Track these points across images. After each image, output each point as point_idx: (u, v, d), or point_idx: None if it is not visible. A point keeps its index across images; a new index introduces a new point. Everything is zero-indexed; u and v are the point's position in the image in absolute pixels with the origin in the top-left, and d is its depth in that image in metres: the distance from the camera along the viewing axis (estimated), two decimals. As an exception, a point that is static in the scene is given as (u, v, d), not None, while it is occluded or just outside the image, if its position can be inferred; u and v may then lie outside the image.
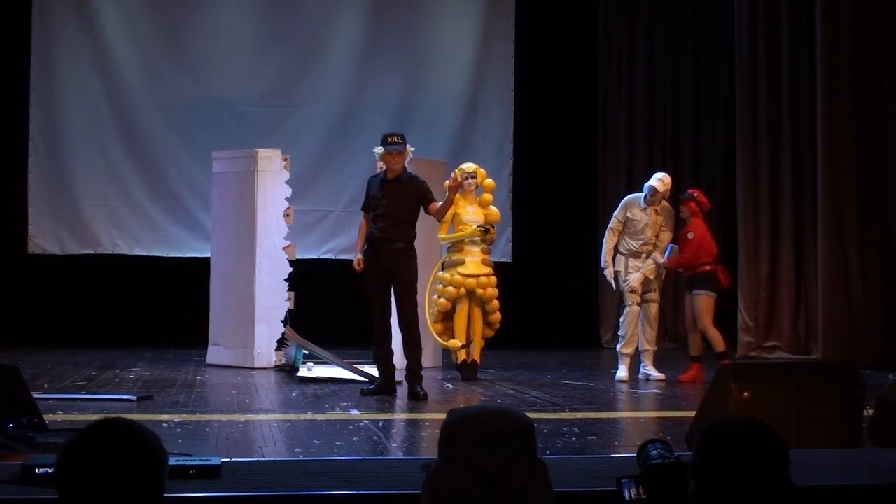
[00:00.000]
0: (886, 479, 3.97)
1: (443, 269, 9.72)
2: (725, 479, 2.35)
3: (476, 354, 9.60)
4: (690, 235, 9.68)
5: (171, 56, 12.71)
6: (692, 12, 14.01)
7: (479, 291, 9.51)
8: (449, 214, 9.48)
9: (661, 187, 9.60)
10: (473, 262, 9.54)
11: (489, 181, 9.84)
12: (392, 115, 13.05)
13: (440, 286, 9.62)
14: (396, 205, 8.24)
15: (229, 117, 12.69)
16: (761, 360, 11.53)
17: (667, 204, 9.80)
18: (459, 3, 13.58)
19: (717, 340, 9.76)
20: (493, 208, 9.88)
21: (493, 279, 9.62)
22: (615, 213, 9.85)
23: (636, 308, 9.63)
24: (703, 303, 9.67)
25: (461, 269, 9.49)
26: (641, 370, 9.66)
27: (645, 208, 9.64)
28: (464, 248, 9.57)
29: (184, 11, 12.77)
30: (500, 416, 2.21)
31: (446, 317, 9.65)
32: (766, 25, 12.39)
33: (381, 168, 8.79)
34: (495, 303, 9.63)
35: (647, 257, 9.64)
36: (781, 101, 12.30)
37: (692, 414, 5.91)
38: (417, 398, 8.01)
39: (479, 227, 9.48)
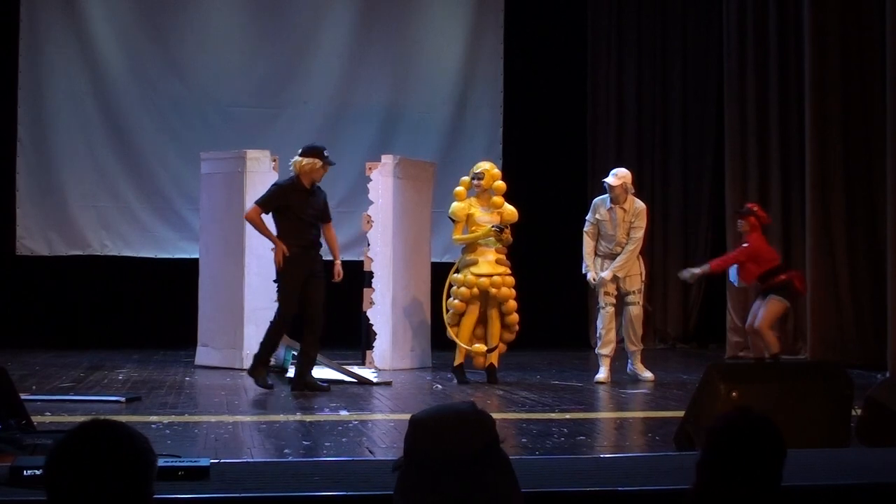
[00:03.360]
0: (874, 478, 3.98)
1: (457, 271, 9.61)
2: (731, 471, 2.38)
3: (494, 358, 9.46)
4: (745, 245, 9.73)
5: (159, 56, 12.69)
6: (681, 10, 14.05)
7: (493, 291, 9.35)
8: (463, 214, 9.43)
9: (614, 182, 9.54)
10: (487, 262, 9.41)
11: (499, 184, 9.54)
12: (380, 115, 13.06)
13: (454, 288, 9.51)
14: (317, 213, 8.69)
15: (218, 118, 12.68)
16: (750, 360, 11.55)
17: (637, 201, 9.69)
18: (448, 3, 13.57)
19: (774, 343, 9.86)
20: (509, 207, 9.58)
21: (510, 279, 9.46)
22: (587, 217, 9.84)
23: (610, 309, 9.62)
24: (774, 307, 9.74)
25: (474, 269, 9.37)
26: (629, 369, 9.64)
27: (611, 208, 9.60)
28: (477, 249, 9.46)
29: (172, 12, 12.74)
30: (459, 413, 2.22)
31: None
32: (755, 25, 12.45)
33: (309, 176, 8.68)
34: (512, 303, 9.46)
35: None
36: (769, 102, 12.36)
37: (681, 414, 5.91)
38: (322, 389, 8.42)
39: (493, 227, 9.37)
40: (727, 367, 7.10)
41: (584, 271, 9.87)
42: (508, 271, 9.52)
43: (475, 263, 9.40)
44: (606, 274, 9.59)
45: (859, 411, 5.61)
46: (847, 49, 11.26)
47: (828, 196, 11.15)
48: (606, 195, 9.69)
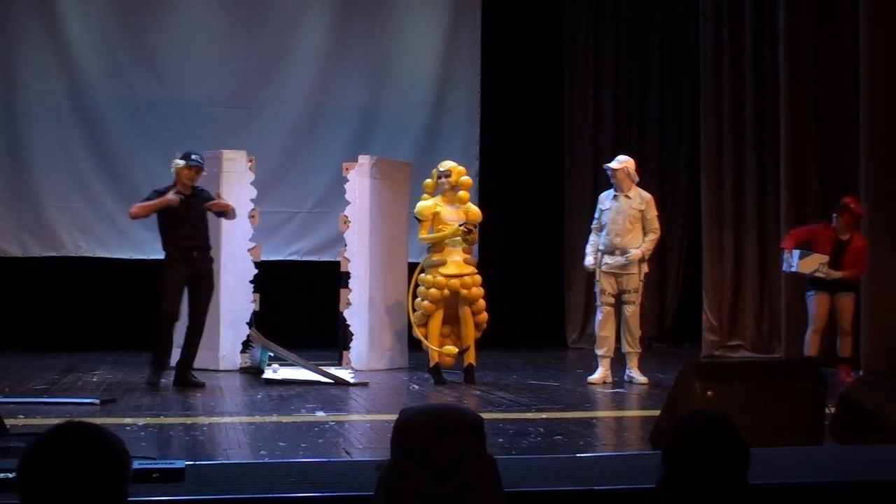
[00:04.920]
0: (847, 476, 4.01)
1: (423, 271, 9.62)
2: (692, 474, 2.39)
3: (472, 357, 9.47)
4: (859, 246, 9.63)
5: (135, 57, 12.62)
6: (658, 11, 14.11)
7: (464, 292, 9.38)
8: (429, 213, 9.45)
9: (615, 165, 9.48)
10: (455, 263, 9.40)
11: (465, 179, 9.65)
12: (358, 115, 13.04)
13: (422, 288, 9.51)
14: (200, 216, 8.87)
15: (194, 118, 12.62)
16: (725, 359, 11.60)
17: (643, 191, 9.60)
18: (425, 4, 13.57)
19: (850, 346, 9.71)
20: (474, 207, 9.73)
21: (478, 278, 9.50)
22: (595, 215, 9.76)
23: (606, 308, 9.48)
24: (852, 304, 9.67)
25: (443, 270, 9.37)
26: (626, 373, 9.48)
27: (616, 195, 9.51)
28: (444, 249, 9.45)
29: (148, 12, 12.66)
30: (449, 413, 2.23)
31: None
32: (730, 26, 12.50)
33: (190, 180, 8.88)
34: (481, 302, 9.50)
35: (623, 254, 9.41)
36: (745, 104, 12.42)
37: (657, 413, 5.94)
38: (198, 385, 8.74)
39: (460, 225, 9.39)
40: (703, 366, 7.11)
41: (585, 263, 9.76)
42: (476, 271, 9.55)
43: (443, 264, 9.41)
44: (636, 253, 9.34)
45: (833, 409, 5.65)
46: (821, 51, 11.33)
47: (802, 195, 11.20)
48: (610, 189, 9.63)
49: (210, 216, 9.07)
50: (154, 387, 8.60)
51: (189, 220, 8.80)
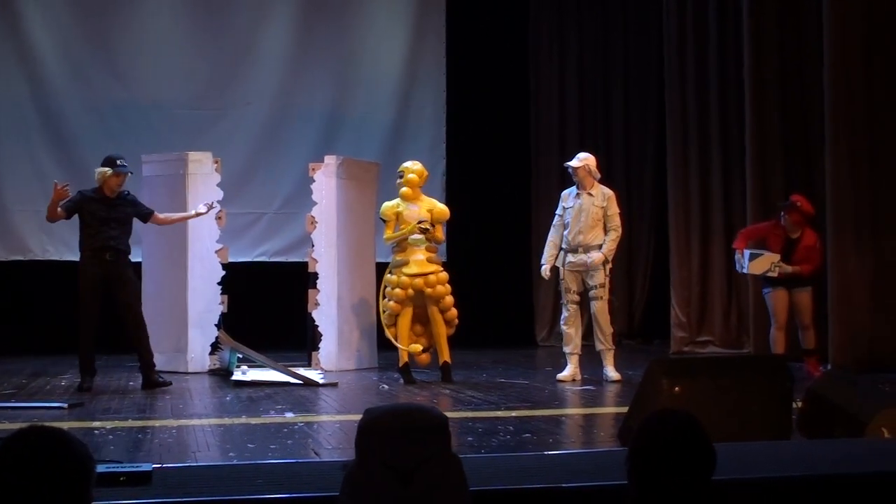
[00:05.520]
0: (814, 470, 4.04)
1: (391, 272, 9.61)
2: (658, 472, 2.40)
3: (446, 355, 9.46)
4: (810, 243, 9.67)
5: (99, 60, 12.54)
6: (621, 9, 14.17)
7: (429, 290, 9.36)
8: (392, 213, 9.46)
9: (576, 164, 9.49)
10: (417, 262, 9.39)
11: (411, 177, 9.55)
12: (324, 115, 13.02)
13: (388, 289, 9.50)
14: (122, 219, 8.89)
15: (159, 121, 12.56)
16: (693, 355, 11.65)
17: (605, 188, 9.59)
18: (390, 3, 13.56)
19: (813, 338, 9.76)
20: (440, 205, 9.71)
21: (443, 276, 9.46)
22: (556, 211, 9.78)
23: (572, 307, 9.49)
24: (810, 299, 9.73)
25: (406, 270, 9.36)
26: (604, 371, 9.43)
27: (578, 194, 9.53)
28: (407, 248, 9.46)
29: (112, 15, 12.60)
30: (414, 413, 2.23)
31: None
32: (694, 20, 12.57)
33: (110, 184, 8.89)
34: (448, 299, 9.45)
35: (585, 252, 9.40)
36: (709, 100, 12.49)
37: (625, 410, 5.96)
38: (165, 384, 8.86)
39: (418, 223, 9.40)
40: (670, 362, 7.14)
41: (541, 262, 9.81)
42: (441, 269, 9.53)
43: (406, 263, 9.41)
44: (598, 257, 9.36)
45: (800, 404, 5.68)
46: (785, 45, 11.38)
47: (767, 191, 11.26)
48: (573, 187, 9.64)
49: (136, 222, 9.08)
50: (84, 391, 8.53)
51: (109, 223, 8.78)
